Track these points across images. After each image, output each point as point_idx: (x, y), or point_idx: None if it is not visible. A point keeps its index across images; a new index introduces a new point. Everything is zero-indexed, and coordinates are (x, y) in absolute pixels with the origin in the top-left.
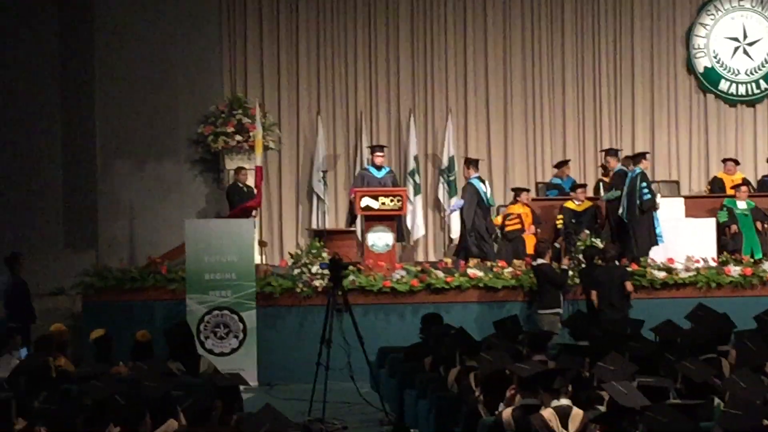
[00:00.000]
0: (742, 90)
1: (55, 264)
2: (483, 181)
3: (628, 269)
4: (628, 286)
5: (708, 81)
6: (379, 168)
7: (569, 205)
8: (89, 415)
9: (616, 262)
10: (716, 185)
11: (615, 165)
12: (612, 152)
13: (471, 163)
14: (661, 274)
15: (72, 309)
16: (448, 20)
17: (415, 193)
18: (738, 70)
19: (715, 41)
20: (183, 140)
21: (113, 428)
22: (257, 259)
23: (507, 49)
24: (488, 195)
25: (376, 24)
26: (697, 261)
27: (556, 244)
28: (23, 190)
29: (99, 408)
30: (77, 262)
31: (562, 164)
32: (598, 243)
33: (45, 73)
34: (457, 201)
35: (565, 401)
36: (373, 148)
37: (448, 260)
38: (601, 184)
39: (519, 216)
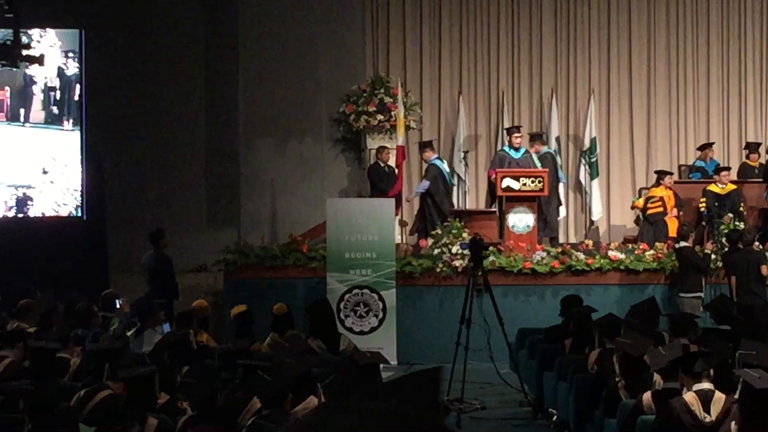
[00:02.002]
0: None
1: (197, 241)
2: (442, 161)
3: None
4: (764, 269)
5: None
6: (517, 149)
7: (712, 188)
8: (232, 390)
9: (759, 246)
10: None
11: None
12: (426, 144)
13: (427, 145)
14: None
15: (214, 286)
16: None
17: None
18: None
19: None
20: (325, 119)
21: (255, 403)
22: (397, 239)
23: (651, 29)
24: (449, 174)
25: (519, 2)
26: None
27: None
28: (167, 169)
29: (243, 384)
30: (219, 240)
31: (705, 147)
32: (741, 227)
33: (189, 52)
34: (423, 183)
35: (707, 385)
36: (510, 130)
37: (590, 242)
38: (745, 167)
39: (661, 199)
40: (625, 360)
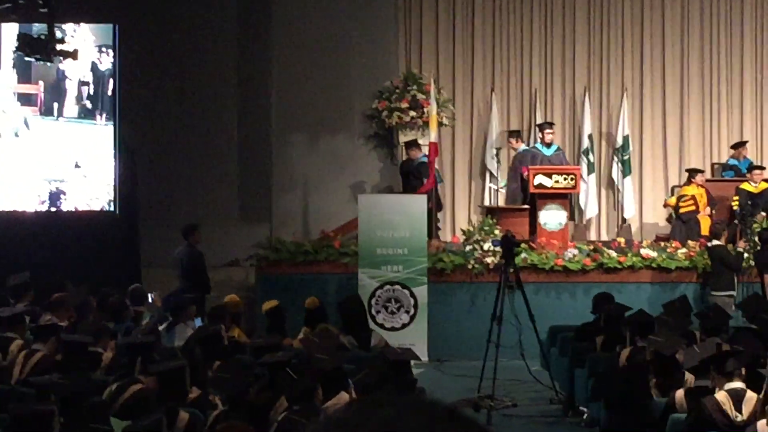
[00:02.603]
0: None
1: (229, 236)
2: None
3: None
4: None
5: None
6: (548, 145)
7: (745, 186)
8: (261, 385)
9: None
10: None
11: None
12: (412, 143)
13: (413, 144)
14: None
15: (246, 281)
16: None
17: (589, 172)
18: None
19: None
20: (357, 115)
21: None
22: None
23: (684, 26)
24: (438, 171)
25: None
26: None
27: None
28: (200, 163)
29: (272, 380)
30: (251, 235)
31: (739, 145)
32: None
33: (222, 47)
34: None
35: (738, 384)
36: (542, 126)
37: (621, 240)
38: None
39: (693, 197)
40: (657, 358)
